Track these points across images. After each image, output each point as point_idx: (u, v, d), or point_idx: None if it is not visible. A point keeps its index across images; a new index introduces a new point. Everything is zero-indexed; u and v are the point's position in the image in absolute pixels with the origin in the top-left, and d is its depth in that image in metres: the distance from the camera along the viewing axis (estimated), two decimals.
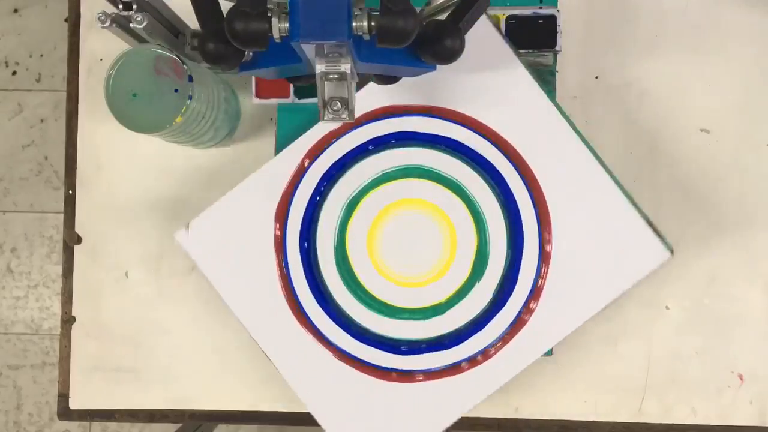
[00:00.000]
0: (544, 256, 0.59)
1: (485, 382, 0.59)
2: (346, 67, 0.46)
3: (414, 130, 0.60)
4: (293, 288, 0.60)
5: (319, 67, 0.46)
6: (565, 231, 0.59)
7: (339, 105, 0.48)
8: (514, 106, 0.59)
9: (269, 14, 0.44)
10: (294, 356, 0.60)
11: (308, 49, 0.45)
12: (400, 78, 0.56)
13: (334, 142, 0.60)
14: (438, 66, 0.51)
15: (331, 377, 0.60)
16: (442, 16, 0.51)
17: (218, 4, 0.48)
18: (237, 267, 0.61)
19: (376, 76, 0.55)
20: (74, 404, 0.68)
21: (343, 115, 0.48)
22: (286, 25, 0.43)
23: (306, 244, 0.60)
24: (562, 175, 0.59)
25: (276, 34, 0.44)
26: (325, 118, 0.49)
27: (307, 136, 0.61)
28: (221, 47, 0.47)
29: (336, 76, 0.46)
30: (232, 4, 0.44)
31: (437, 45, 0.48)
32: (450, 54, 0.48)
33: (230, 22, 0.43)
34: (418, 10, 0.46)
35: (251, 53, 0.50)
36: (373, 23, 0.44)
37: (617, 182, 0.59)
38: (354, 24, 0.43)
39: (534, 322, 0.59)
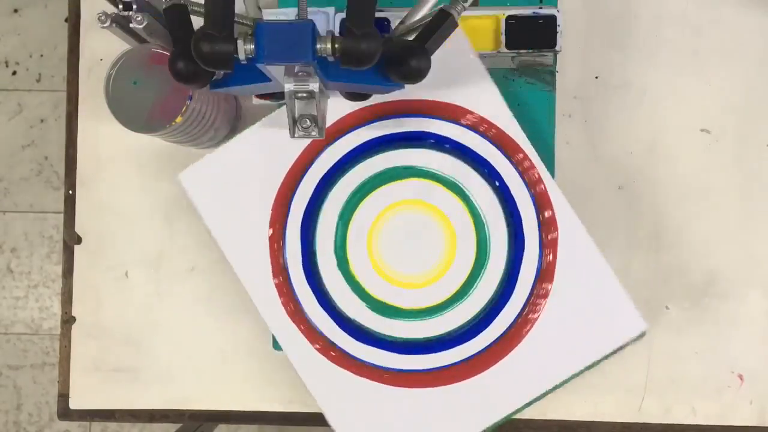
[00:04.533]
0: (544, 256, 0.59)
1: (490, 389, 0.59)
2: (314, 86, 0.47)
3: (413, 130, 0.60)
4: (292, 287, 0.60)
5: (288, 86, 0.47)
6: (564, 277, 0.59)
7: (308, 122, 0.49)
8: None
9: (235, 36, 0.44)
10: (293, 356, 0.60)
11: (276, 69, 0.46)
12: (371, 95, 0.57)
13: (334, 142, 0.60)
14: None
15: (328, 377, 0.60)
16: (410, 36, 0.51)
17: (191, 23, 0.48)
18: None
19: (347, 93, 0.56)
20: (74, 404, 0.68)
21: (313, 132, 0.49)
22: (252, 46, 0.44)
23: (306, 245, 0.60)
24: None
25: (242, 56, 0.44)
26: (296, 135, 0.49)
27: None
28: (191, 66, 0.47)
29: (305, 94, 0.47)
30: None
31: (404, 65, 0.48)
32: (416, 74, 0.49)
33: (197, 43, 0.44)
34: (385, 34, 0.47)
35: (221, 72, 0.50)
36: (336, 46, 0.44)
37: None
38: (318, 46, 0.44)
39: (537, 328, 0.59)
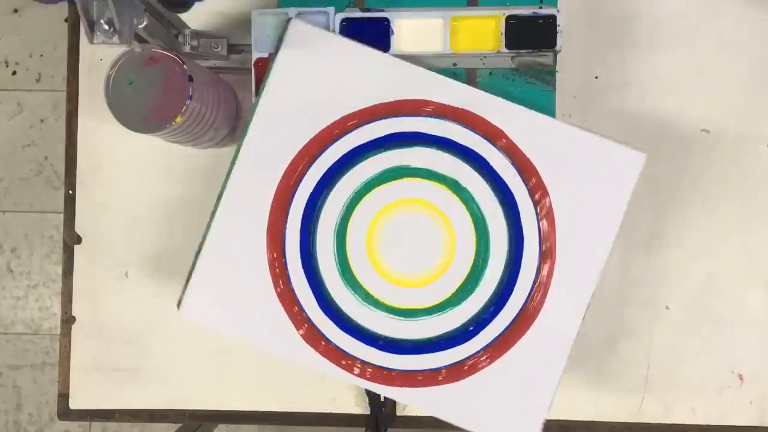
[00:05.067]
0: (543, 256, 0.59)
1: (491, 384, 0.59)
2: None
3: (414, 130, 0.60)
4: (293, 286, 0.60)
5: None
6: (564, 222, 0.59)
7: (106, 26, 0.47)
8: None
9: None
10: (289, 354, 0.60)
11: None
12: (191, 4, 0.54)
13: (334, 142, 0.60)
14: None
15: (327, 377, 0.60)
16: None
17: None
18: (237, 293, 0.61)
19: None
20: (74, 404, 0.68)
21: (114, 38, 0.47)
22: None
23: (306, 244, 0.60)
24: (564, 172, 0.59)
25: None
26: (95, 41, 0.47)
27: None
28: None
29: None
30: None
31: None
32: None
33: None
34: None
35: None
36: None
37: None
38: None
39: (540, 322, 0.59)
